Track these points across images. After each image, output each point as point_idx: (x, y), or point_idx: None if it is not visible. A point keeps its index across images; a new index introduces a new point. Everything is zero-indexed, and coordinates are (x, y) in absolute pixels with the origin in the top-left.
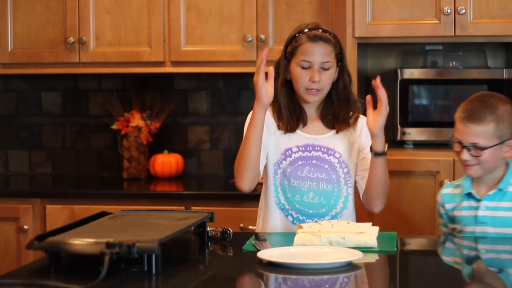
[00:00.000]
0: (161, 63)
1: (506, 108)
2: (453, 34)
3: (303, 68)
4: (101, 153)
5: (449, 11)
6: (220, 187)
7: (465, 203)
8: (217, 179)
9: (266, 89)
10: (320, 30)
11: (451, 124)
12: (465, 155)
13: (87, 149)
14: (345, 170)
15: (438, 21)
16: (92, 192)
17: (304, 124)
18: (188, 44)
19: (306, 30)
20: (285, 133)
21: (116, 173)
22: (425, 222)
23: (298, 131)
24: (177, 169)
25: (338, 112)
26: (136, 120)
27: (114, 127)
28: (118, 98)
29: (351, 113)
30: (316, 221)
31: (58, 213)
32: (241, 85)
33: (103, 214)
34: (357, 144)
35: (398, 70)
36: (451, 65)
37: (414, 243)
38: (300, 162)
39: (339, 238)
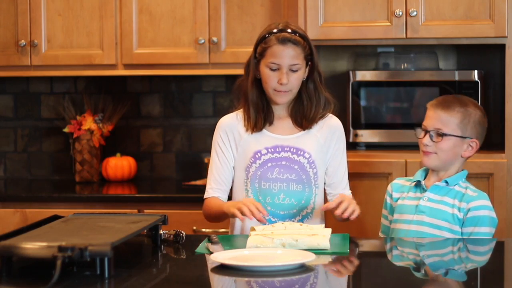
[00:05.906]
0: (113, 66)
1: (477, 112)
2: (404, 36)
3: (271, 70)
4: (53, 156)
5: (400, 13)
6: (173, 190)
7: (411, 194)
8: (170, 182)
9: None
10: (289, 31)
11: (403, 126)
12: (426, 140)
13: (39, 152)
14: (314, 170)
15: (389, 23)
16: (44, 195)
17: (271, 123)
18: (140, 46)
19: (275, 31)
20: (251, 133)
21: (68, 176)
22: (377, 223)
23: (265, 131)
24: (129, 172)
25: (307, 111)
26: (88, 123)
27: (66, 130)
28: (70, 101)
29: (321, 112)
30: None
31: (10, 217)
32: (194, 88)
33: (55, 217)
34: (327, 147)
35: (350, 72)
36: (402, 67)
37: (367, 245)
38: (269, 164)
39: (292, 240)
